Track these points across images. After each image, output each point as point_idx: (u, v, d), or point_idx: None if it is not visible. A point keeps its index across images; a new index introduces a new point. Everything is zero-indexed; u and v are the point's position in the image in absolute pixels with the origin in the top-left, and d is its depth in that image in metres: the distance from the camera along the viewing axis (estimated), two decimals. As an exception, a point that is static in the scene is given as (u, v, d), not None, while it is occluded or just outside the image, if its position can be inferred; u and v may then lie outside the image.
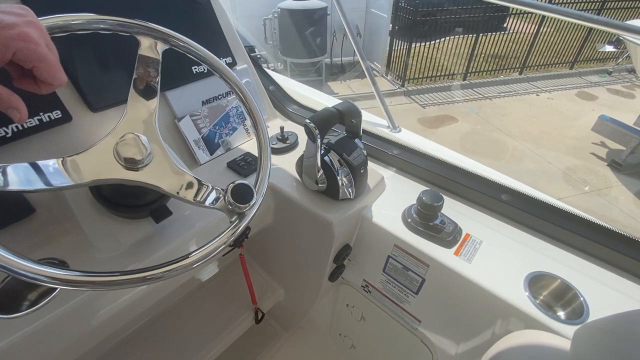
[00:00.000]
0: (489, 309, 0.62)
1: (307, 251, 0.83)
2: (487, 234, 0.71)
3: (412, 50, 6.04)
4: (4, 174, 0.37)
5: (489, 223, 0.74)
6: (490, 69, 6.81)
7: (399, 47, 6.26)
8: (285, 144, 0.85)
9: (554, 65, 7.15)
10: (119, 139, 0.45)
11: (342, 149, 0.69)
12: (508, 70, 6.94)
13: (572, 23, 7.04)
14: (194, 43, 0.55)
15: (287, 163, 0.81)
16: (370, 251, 0.81)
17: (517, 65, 6.94)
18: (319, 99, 1.22)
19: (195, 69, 0.77)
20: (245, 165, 0.77)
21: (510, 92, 6.52)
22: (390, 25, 6.24)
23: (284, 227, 0.84)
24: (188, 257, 0.42)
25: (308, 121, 0.63)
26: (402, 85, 6.34)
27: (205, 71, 0.78)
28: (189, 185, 0.47)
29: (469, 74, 6.69)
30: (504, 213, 0.75)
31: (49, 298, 0.52)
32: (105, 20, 0.48)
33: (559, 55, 7.08)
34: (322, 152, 0.69)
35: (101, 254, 0.57)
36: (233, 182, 0.47)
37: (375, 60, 6.79)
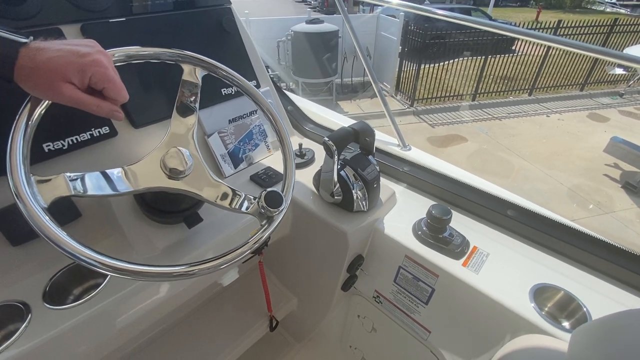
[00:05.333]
0: (497, 319, 0.65)
1: (321, 261, 0.88)
2: (493, 247, 0.75)
3: (421, 72, 6.18)
4: (83, 181, 0.43)
5: (496, 237, 0.78)
6: (499, 90, 6.89)
7: (408, 69, 6.40)
8: (303, 159, 0.92)
9: (563, 87, 7.19)
10: (165, 152, 0.52)
11: (357, 165, 0.75)
12: (517, 92, 7.00)
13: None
14: (233, 71, 0.63)
15: (304, 177, 0.87)
16: (382, 262, 0.85)
17: (527, 87, 7.01)
18: (334, 119, 1.29)
19: (224, 90, 0.85)
20: (267, 178, 0.83)
21: (520, 112, 6.55)
22: (400, 47, 6.43)
23: (300, 237, 0.89)
24: (224, 256, 0.48)
25: (327, 139, 0.69)
26: (411, 105, 6.45)
27: (232, 93, 0.87)
28: (225, 194, 0.54)
29: (478, 95, 6.77)
30: (510, 228, 0.79)
31: (90, 295, 0.57)
32: (164, 52, 0.57)
33: (568, 77, 7.12)
34: (339, 167, 0.75)
35: (138, 255, 0.63)
36: (265, 190, 0.53)
37: (384, 80, 6.95)
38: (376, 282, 0.89)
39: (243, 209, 0.54)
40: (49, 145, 0.61)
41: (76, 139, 0.64)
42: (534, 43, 6.93)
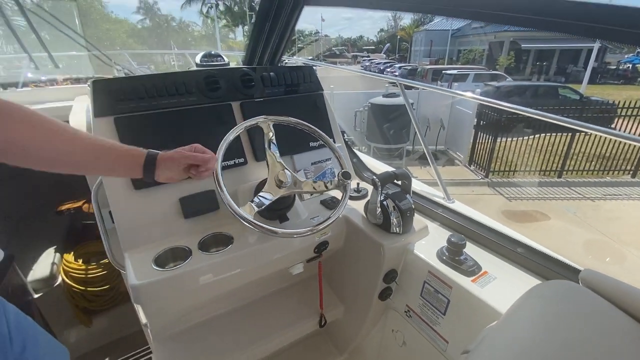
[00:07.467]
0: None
1: (363, 269, 1.15)
2: (501, 274, 0.93)
3: (498, 144, 6.16)
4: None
5: (506, 268, 0.96)
6: (592, 169, 6.33)
7: (483, 140, 6.43)
8: (359, 194, 1.26)
9: (681, 171, 6.24)
10: (278, 172, 0.92)
11: (395, 198, 1.05)
12: (617, 172, 6.32)
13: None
14: (321, 132, 1.04)
15: (359, 206, 1.19)
16: (412, 277, 1.07)
17: (629, 168, 6.29)
18: (386, 169, 1.62)
19: (311, 143, 1.28)
20: (332, 202, 1.19)
21: (620, 195, 5.84)
22: (475, 119, 6.60)
23: (350, 249, 1.19)
24: (326, 221, 0.86)
25: (374, 177, 1.03)
26: (486, 176, 6.34)
27: (316, 146, 1.29)
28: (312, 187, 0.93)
29: (565, 172, 6.32)
30: (519, 262, 0.96)
31: (221, 251, 0.96)
32: (290, 119, 1.02)
33: (685, 160, 6.20)
34: (382, 198, 1.06)
35: (251, 236, 1.02)
36: (341, 171, 0.92)
37: (458, 150, 7.06)
38: (407, 298, 1.10)
39: (327, 187, 0.95)
40: (214, 164, 1.08)
41: (226, 163, 1.10)
42: (638, 121, 6.35)
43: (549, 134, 6.21)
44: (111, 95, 0.98)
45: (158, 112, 1.02)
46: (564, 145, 6.12)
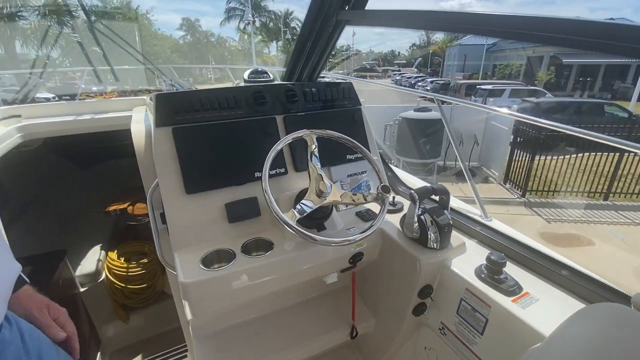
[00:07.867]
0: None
1: (398, 283, 1.15)
2: (544, 296, 0.90)
3: (536, 162, 5.87)
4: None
5: (550, 291, 0.92)
6: (644, 192, 5.85)
7: (520, 158, 6.17)
8: (394, 207, 1.28)
9: None
10: (318, 182, 0.97)
11: (433, 213, 1.06)
12: (674, 197, 5.80)
13: None
14: (360, 145, 1.08)
15: (394, 219, 1.20)
16: (448, 294, 1.06)
17: (689, 192, 5.75)
18: (420, 183, 1.62)
19: (348, 156, 1.32)
20: (366, 214, 1.21)
21: (677, 222, 5.33)
22: (512, 136, 6.36)
23: (384, 262, 1.19)
24: (365, 232, 0.88)
25: (412, 191, 1.04)
26: (523, 196, 6.05)
27: (353, 158, 1.32)
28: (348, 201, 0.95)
29: (611, 194, 5.89)
30: (562, 284, 0.92)
31: (261, 255, 1.01)
32: (333, 133, 1.07)
33: None
34: (420, 212, 1.07)
35: (290, 242, 1.06)
36: (380, 184, 0.93)
37: (492, 167, 6.81)
38: (442, 314, 1.09)
39: (368, 199, 0.97)
40: (258, 173, 1.14)
41: (270, 172, 1.16)
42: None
43: (594, 154, 5.82)
44: (170, 108, 1.08)
45: (211, 123, 1.11)
46: (611, 165, 5.72)
